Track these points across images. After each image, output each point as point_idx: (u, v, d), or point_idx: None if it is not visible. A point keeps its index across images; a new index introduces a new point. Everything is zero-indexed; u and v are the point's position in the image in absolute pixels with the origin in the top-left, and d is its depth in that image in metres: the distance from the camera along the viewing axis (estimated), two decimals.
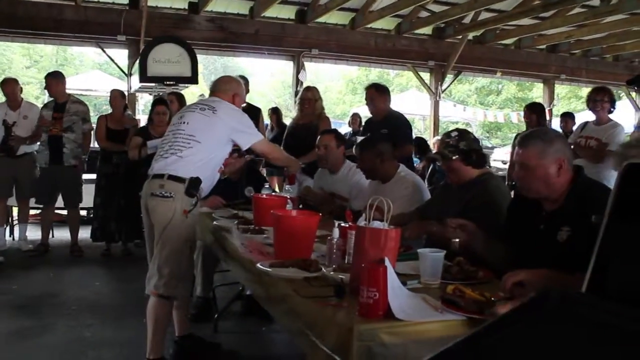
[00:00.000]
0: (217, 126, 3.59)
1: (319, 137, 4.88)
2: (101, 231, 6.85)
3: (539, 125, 6.39)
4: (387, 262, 2.11)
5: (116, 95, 6.98)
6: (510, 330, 1.09)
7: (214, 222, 3.96)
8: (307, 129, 5.85)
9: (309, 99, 5.99)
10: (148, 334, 3.52)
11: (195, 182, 3.46)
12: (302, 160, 4.98)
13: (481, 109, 22.30)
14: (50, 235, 7.72)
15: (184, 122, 3.63)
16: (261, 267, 2.71)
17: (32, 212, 7.72)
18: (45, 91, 8.05)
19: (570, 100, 24.58)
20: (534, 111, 6.67)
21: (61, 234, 7.39)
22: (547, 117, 6.76)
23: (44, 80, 7.07)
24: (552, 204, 2.60)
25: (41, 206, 7.13)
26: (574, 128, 6.80)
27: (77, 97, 7.12)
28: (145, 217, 3.64)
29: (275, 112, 10.12)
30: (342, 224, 2.90)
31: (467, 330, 2.01)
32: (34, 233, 7.61)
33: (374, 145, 4.13)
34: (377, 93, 5.72)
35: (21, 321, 4.56)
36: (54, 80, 6.84)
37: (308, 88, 6.30)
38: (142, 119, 9.77)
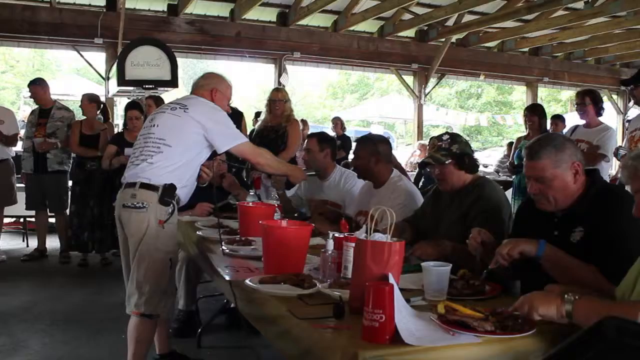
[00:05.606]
0: (188, 126, 3.28)
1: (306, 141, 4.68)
2: (75, 240, 6.61)
3: (541, 127, 6.23)
4: (392, 280, 1.92)
5: (84, 100, 6.78)
6: None
7: (198, 232, 3.73)
8: (275, 131, 5.71)
9: (279, 100, 5.81)
10: (128, 354, 3.28)
11: (169, 189, 3.20)
12: (281, 157, 4.84)
13: (462, 112, 22.25)
14: (25, 244, 7.49)
15: (154, 125, 3.35)
16: (250, 283, 2.50)
17: (6, 220, 7.47)
18: (22, 96, 7.85)
19: (549, 103, 24.64)
20: (536, 113, 6.38)
21: (33, 243, 7.12)
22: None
23: (20, 86, 6.95)
24: (565, 209, 2.44)
25: (14, 215, 6.89)
26: (564, 131, 6.68)
27: (62, 103, 6.98)
28: (120, 229, 3.37)
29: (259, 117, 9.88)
30: (337, 235, 2.71)
31: (481, 353, 1.84)
32: (7, 242, 7.35)
33: (372, 144, 3.92)
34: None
35: None
36: (39, 87, 6.78)
37: (277, 89, 6.18)
38: (121, 124, 9.52)
